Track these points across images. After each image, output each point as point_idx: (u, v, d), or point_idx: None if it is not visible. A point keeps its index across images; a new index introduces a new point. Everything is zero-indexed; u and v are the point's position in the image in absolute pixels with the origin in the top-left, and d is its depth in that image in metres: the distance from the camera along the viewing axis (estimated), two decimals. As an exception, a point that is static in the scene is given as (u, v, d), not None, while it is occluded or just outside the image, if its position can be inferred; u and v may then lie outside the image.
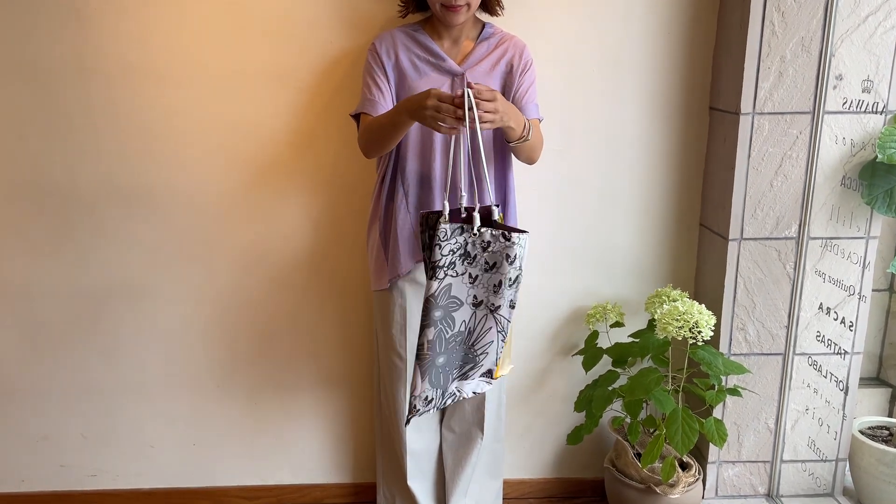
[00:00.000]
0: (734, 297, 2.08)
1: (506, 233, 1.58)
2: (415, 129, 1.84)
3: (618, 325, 2.16)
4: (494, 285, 1.61)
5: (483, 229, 1.58)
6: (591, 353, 2.15)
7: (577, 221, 2.20)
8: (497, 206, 1.65)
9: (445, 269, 1.58)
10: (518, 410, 2.32)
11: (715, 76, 2.10)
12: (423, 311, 1.59)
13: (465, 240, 1.59)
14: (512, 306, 1.63)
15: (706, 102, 2.14)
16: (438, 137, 1.84)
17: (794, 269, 2.06)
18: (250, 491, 2.37)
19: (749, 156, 1.99)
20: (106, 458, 2.33)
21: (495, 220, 1.64)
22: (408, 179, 1.88)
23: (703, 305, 1.91)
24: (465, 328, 1.64)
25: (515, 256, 1.59)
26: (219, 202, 2.14)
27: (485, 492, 2.19)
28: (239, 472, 2.37)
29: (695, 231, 2.23)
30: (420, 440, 2.09)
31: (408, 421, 1.71)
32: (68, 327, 2.22)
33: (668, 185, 2.20)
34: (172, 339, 2.24)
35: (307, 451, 2.36)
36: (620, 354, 2.11)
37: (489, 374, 1.70)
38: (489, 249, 1.60)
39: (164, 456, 2.34)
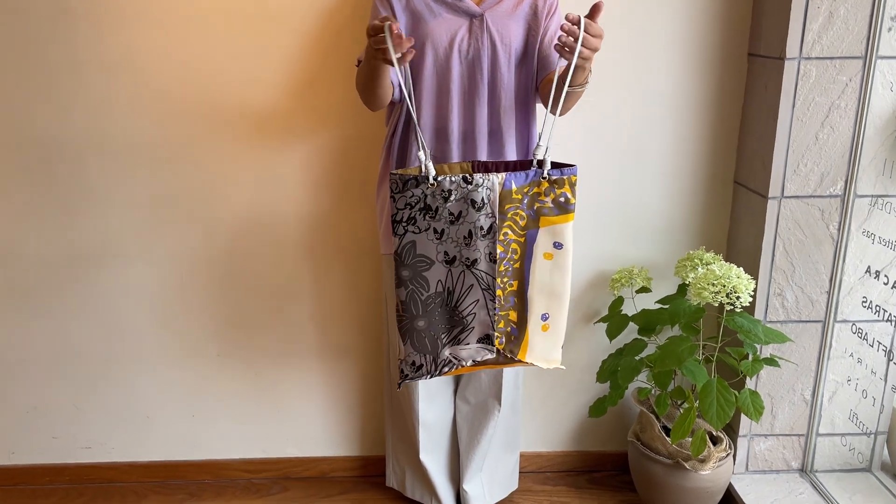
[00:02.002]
0: (772, 260, 1.94)
1: (467, 175, 1.48)
2: (430, 77, 1.69)
3: (644, 290, 2.03)
4: (464, 237, 1.51)
5: (440, 178, 1.47)
6: (615, 321, 2.03)
7: (601, 178, 2.06)
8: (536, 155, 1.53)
9: (405, 224, 1.50)
10: (535, 380, 2.21)
11: (755, 19, 1.92)
12: (395, 270, 1.54)
13: (422, 192, 1.48)
14: (492, 260, 1.53)
15: (745, 48, 1.97)
16: (456, 87, 1.70)
17: (839, 229, 1.91)
18: (253, 464, 2.29)
19: (793, 106, 1.82)
20: (100, 430, 2.25)
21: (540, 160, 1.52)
22: (423, 132, 1.73)
23: (741, 269, 1.78)
24: (443, 288, 1.55)
25: (483, 201, 1.48)
26: (214, 157, 2.01)
27: (500, 466, 2.11)
28: (241, 445, 2.29)
29: (728, 189, 2.08)
30: (432, 410, 1.98)
31: (399, 385, 1.66)
32: (56, 292, 2.11)
33: (701, 140, 2.04)
34: (169, 305, 2.13)
35: (313, 422, 2.28)
36: (648, 322, 1.98)
37: (487, 339, 1.59)
38: (451, 199, 1.49)
39: (161, 427, 2.25)
